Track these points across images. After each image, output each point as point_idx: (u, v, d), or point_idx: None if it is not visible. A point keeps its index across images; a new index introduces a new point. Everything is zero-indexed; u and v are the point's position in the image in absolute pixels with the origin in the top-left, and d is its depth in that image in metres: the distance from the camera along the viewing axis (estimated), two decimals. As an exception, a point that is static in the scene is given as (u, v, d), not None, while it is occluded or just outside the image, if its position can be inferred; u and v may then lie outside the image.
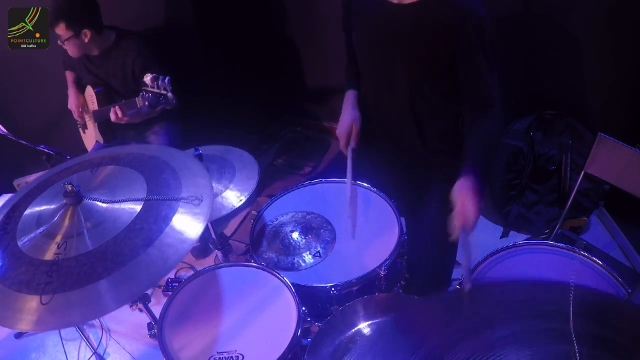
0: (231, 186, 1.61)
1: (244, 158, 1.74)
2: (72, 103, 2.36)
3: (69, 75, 2.38)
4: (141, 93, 1.79)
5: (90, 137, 2.43)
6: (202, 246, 2.40)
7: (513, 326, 0.45)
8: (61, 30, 2.03)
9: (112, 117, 1.96)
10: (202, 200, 1.12)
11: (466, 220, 1.17)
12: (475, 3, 1.28)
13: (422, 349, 0.45)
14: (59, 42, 2.09)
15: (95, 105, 2.26)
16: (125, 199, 1.14)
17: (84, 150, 2.52)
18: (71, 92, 2.36)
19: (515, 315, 0.47)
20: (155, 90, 1.74)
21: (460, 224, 1.17)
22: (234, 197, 1.58)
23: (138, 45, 2.17)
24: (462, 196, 1.20)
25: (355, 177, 1.62)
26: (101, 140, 2.34)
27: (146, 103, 1.79)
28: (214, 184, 1.54)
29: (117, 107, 1.94)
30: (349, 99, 1.64)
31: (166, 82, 1.73)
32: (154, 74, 1.75)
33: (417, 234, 1.54)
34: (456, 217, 1.19)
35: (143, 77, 2.17)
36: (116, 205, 1.14)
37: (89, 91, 2.26)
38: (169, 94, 1.73)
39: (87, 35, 2.08)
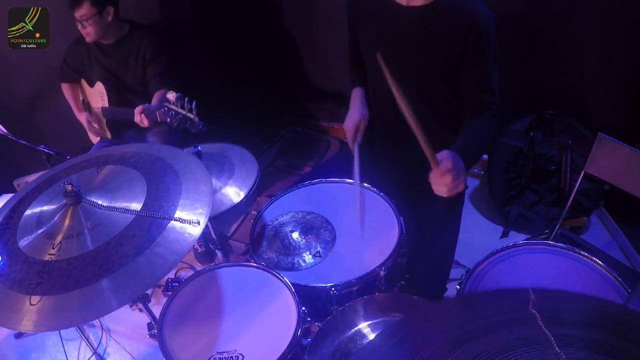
0: (230, 182, 1.61)
1: (244, 155, 1.74)
2: (82, 118, 2.38)
3: (67, 89, 2.39)
4: (163, 109, 1.74)
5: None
6: (207, 251, 2.40)
7: (510, 332, 0.45)
8: (85, 9, 2.03)
9: (137, 119, 1.94)
10: (198, 224, 1.10)
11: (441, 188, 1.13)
12: (483, 7, 1.30)
13: (420, 355, 0.45)
14: (79, 26, 2.09)
15: (105, 101, 2.27)
16: (120, 208, 1.13)
17: (85, 143, 2.52)
18: (75, 110, 2.39)
19: (510, 322, 0.47)
20: (180, 111, 1.69)
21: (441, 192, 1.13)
22: (233, 193, 1.58)
23: (151, 35, 2.22)
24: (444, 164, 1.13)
25: (361, 173, 1.63)
26: (108, 136, 2.36)
27: (167, 119, 1.73)
28: (213, 181, 1.55)
29: (143, 114, 1.92)
30: (357, 95, 1.62)
31: (193, 106, 1.67)
32: (178, 94, 1.70)
33: (417, 234, 1.54)
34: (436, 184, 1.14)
35: (149, 67, 2.20)
36: (117, 203, 1.14)
37: (99, 87, 2.27)
38: (196, 119, 1.67)
39: (110, 13, 2.10)
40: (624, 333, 0.43)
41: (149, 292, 1.66)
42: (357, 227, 1.52)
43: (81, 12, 2.03)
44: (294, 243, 1.48)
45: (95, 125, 2.37)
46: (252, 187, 1.65)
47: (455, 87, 1.40)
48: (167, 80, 2.21)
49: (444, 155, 1.15)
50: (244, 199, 1.62)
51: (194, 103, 1.66)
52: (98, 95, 2.31)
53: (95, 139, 2.48)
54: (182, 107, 1.68)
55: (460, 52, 1.30)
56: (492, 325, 0.46)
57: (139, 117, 1.92)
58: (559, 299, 0.51)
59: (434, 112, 1.47)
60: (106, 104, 2.27)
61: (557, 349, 0.40)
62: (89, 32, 2.11)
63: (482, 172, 2.74)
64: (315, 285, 1.34)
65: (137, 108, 1.92)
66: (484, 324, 0.47)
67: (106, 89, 2.24)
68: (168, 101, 1.72)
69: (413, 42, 1.37)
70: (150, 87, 2.22)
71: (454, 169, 1.12)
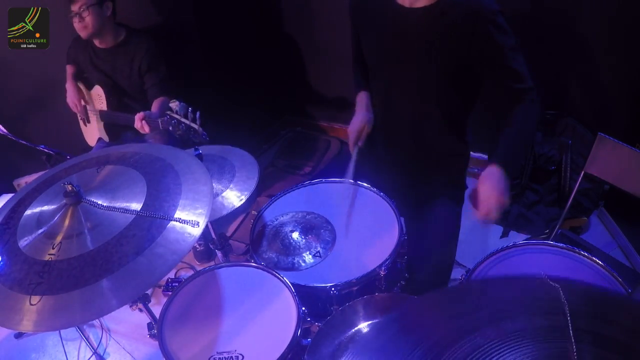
0: (231, 186, 1.61)
1: (244, 158, 1.74)
2: (70, 97, 2.33)
3: (69, 69, 2.37)
4: (166, 117, 1.70)
5: (93, 131, 2.43)
6: (206, 250, 2.40)
7: (516, 322, 0.45)
8: None
9: (137, 125, 1.92)
10: (197, 225, 1.10)
11: (488, 210, 1.18)
12: (487, 0, 1.28)
13: (423, 345, 0.44)
14: (76, 20, 2.03)
15: (103, 105, 2.26)
16: (120, 208, 1.13)
17: (84, 143, 2.52)
18: (70, 87, 2.34)
19: (518, 311, 0.47)
20: (184, 120, 1.64)
21: (482, 214, 1.18)
22: (234, 197, 1.58)
23: (148, 43, 2.19)
24: (486, 186, 1.21)
25: (357, 176, 1.63)
26: (106, 138, 2.35)
27: (170, 128, 1.70)
28: (214, 184, 1.54)
29: (144, 121, 1.90)
30: (363, 100, 1.64)
31: (197, 116, 1.62)
32: (181, 103, 1.66)
33: (417, 234, 1.54)
34: (479, 207, 1.20)
35: (147, 76, 2.18)
36: (117, 203, 1.14)
37: (98, 90, 2.26)
38: (199, 129, 1.62)
39: (109, 7, 2.07)
40: (632, 329, 0.43)
41: (149, 292, 1.66)
42: (357, 227, 1.52)
43: (81, 1, 2.00)
44: (294, 243, 1.48)
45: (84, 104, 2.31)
46: (253, 191, 1.65)
47: (463, 87, 1.40)
48: (166, 89, 2.18)
49: (478, 183, 1.23)
50: (245, 201, 1.62)
51: (197, 113, 1.63)
52: (97, 99, 2.30)
53: (88, 136, 2.48)
54: (186, 117, 1.65)
55: (467, 44, 1.28)
56: (497, 314, 0.46)
57: (140, 124, 1.90)
58: (566, 286, 0.50)
59: (438, 114, 1.47)
60: (105, 108, 2.27)
61: (573, 343, 0.40)
62: (86, 24, 2.05)
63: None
64: (315, 285, 1.34)
65: (138, 115, 1.90)
66: (488, 313, 0.46)
67: (105, 92, 2.23)
68: (171, 110, 1.68)
69: (418, 44, 1.36)
70: (148, 96, 2.20)
71: (490, 190, 1.19)
